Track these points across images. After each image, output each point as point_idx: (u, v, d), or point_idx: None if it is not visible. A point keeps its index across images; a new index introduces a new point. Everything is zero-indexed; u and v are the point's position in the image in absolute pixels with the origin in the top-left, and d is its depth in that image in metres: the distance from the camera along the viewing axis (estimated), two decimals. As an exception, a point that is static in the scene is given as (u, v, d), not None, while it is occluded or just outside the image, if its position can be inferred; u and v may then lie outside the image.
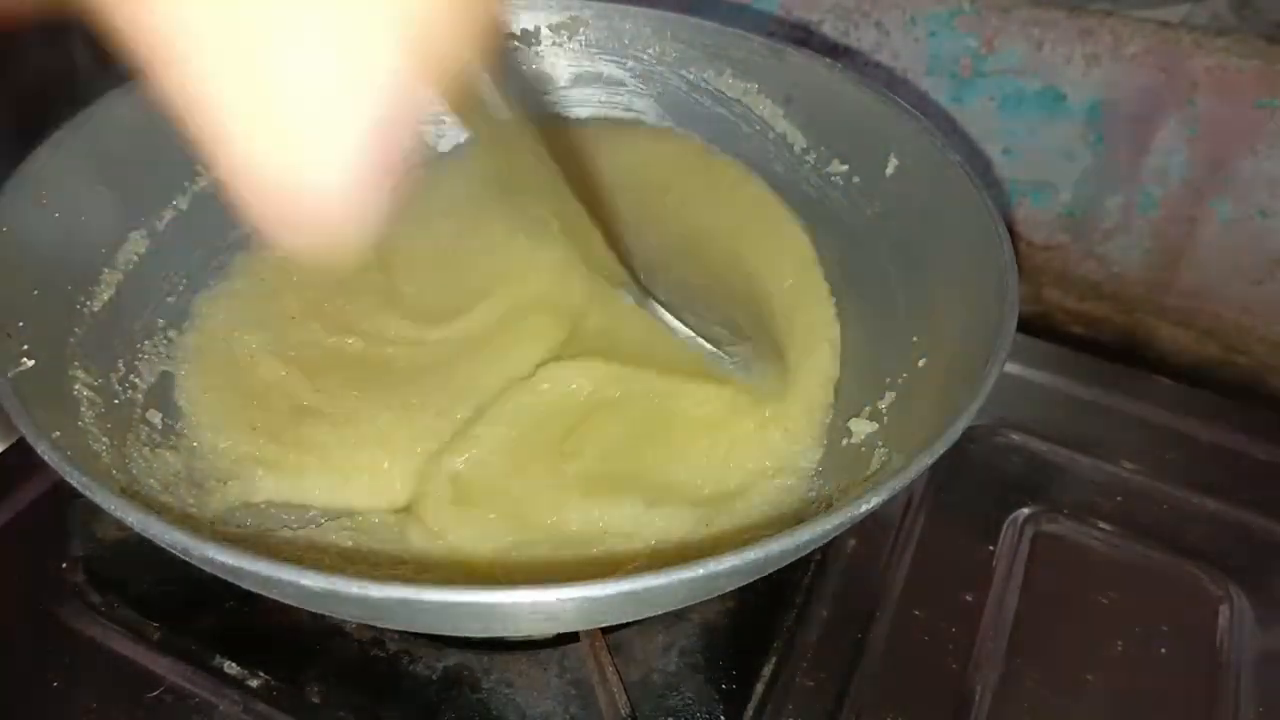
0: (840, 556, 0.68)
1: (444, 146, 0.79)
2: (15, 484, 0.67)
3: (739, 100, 0.75)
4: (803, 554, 0.45)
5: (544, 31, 0.78)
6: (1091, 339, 0.93)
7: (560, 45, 0.78)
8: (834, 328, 0.67)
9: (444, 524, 0.57)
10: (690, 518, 0.58)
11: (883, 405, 0.60)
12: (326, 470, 0.60)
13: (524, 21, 0.77)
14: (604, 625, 0.58)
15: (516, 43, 0.78)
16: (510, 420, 0.63)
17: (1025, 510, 0.71)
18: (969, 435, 0.75)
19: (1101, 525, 0.71)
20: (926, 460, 0.44)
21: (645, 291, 0.61)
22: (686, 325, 0.61)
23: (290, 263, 0.70)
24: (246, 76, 0.26)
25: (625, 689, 0.55)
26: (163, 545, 0.41)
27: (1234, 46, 0.76)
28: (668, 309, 0.62)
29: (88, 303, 0.59)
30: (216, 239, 0.69)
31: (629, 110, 0.80)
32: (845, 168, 0.70)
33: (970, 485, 0.73)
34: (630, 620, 0.59)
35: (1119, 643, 0.64)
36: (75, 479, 0.43)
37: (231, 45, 0.26)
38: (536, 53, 0.78)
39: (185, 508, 0.56)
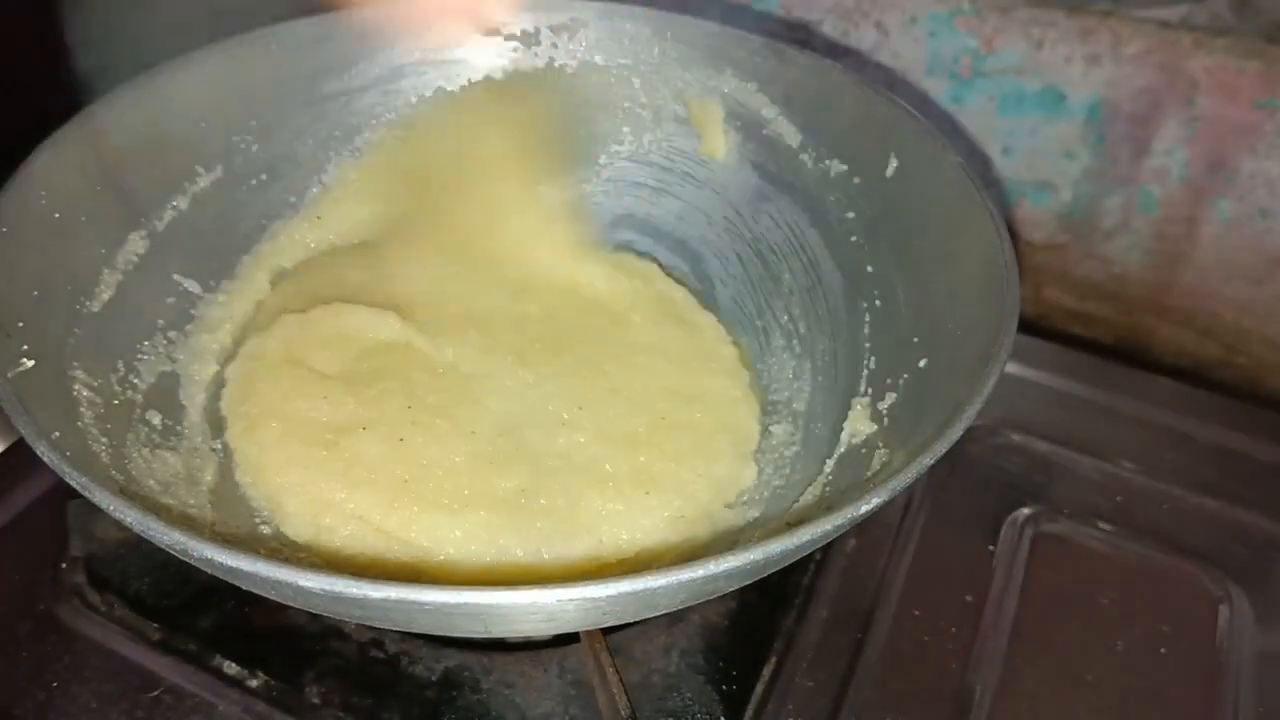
0: (840, 556, 0.68)
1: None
2: (15, 484, 0.67)
3: (739, 100, 0.74)
4: (803, 554, 0.45)
5: (545, 32, 0.77)
6: (1091, 339, 0.93)
7: (560, 47, 0.78)
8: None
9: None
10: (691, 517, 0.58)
11: (883, 406, 0.60)
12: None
13: (525, 22, 0.77)
14: (604, 626, 0.58)
15: (517, 43, 0.78)
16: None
17: (1025, 510, 0.71)
18: (969, 435, 0.74)
19: (1101, 525, 0.71)
20: (927, 461, 0.44)
21: None
22: None
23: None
24: None
25: (625, 690, 0.55)
26: (162, 546, 0.41)
27: (1234, 46, 0.75)
28: None
29: (87, 303, 0.59)
30: (216, 240, 0.69)
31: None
32: (845, 168, 0.69)
33: (970, 485, 0.73)
34: (631, 621, 0.59)
35: (1119, 643, 0.64)
36: (74, 479, 0.42)
37: None
38: (536, 53, 0.78)
39: (185, 508, 0.56)
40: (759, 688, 0.60)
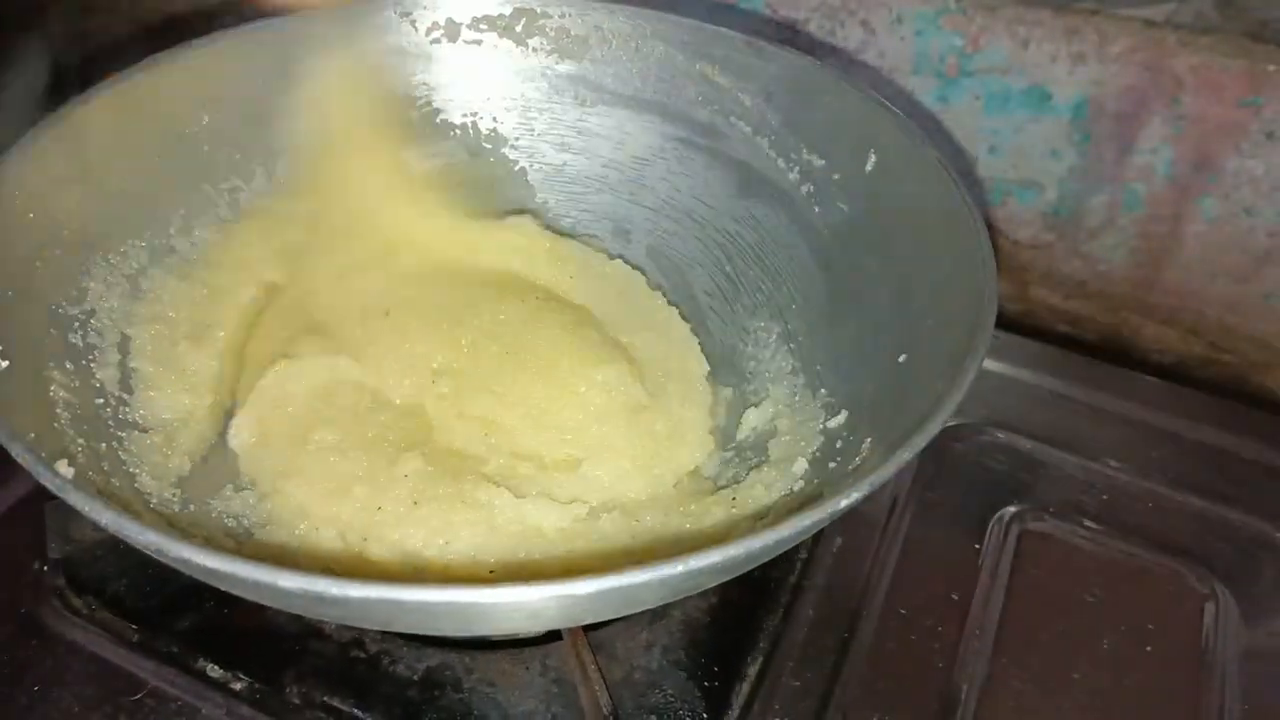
0: (826, 555, 0.67)
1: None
2: (-8, 486, 0.67)
3: (719, 97, 0.74)
4: (783, 550, 0.45)
5: (520, 27, 0.77)
6: (1077, 337, 0.93)
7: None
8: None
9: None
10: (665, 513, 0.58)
11: (864, 401, 0.60)
12: None
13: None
14: (586, 623, 0.58)
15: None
16: None
17: (1011, 509, 0.71)
18: (954, 434, 0.75)
19: (1087, 523, 0.71)
20: (905, 455, 0.44)
21: None
22: None
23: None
24: None
25: (607, 687, 0.55)
26: (138, 547, 0.41)
27: (1218, 45, 0.76)
28: None
29: (64, 304, 0.58)
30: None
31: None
32: (824, 163, 0.69)
33: (956, 484, 0.73)
34: (612, 618, 0.59)
35: (1104, 641, 0.64)
36: (49, 481, 0.42)
37: None
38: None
39: (165, 509, 0.55)
40: (745, 688, 0.60)
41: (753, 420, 0.68)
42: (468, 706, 0.56)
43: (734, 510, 0.59)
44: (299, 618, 0.59)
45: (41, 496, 0.65)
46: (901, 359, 0.58)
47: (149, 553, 0.41)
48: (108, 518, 0.41)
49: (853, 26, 0.86)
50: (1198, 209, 0.82)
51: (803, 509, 0.42)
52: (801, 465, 0.60)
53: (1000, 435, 0.76)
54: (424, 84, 0.77)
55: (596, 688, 0.54)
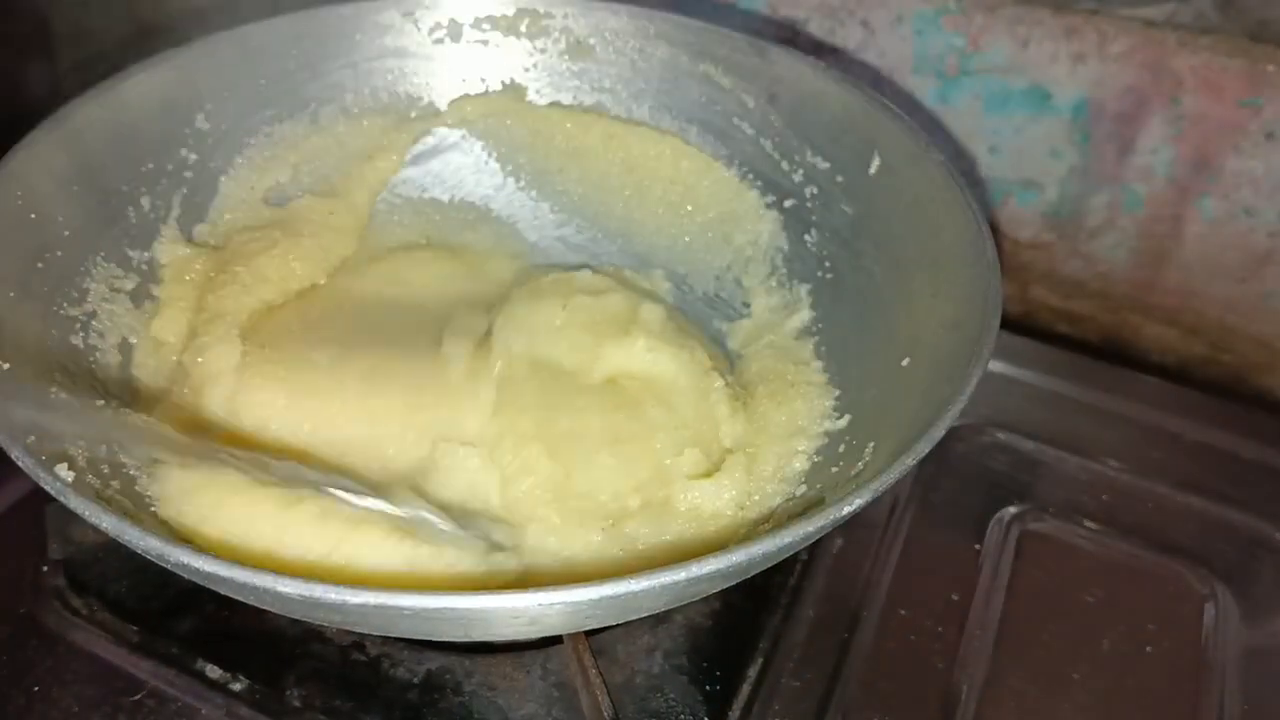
0: (826, 556, 0.67)
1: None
2: (-7, 487, 0.67)
3: (722, 98, 0.74)
4: (786, 556, 0.45)
5: (524, 27, 0.77)
6: (1077, 337, 0.93)
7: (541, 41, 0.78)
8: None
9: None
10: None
11: (867, 405, 0.60)
12: None
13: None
14: (587, 629, 0.58)
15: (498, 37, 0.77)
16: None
17: (1011, 509, 0.71)
18: (955, 434, 0.75)
19: (1087, 524, 0.71)
20: (909, 462, 0.44)
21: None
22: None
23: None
24: None
25: (608, 691, 0.55)
26: (137, 551, 0.41)
27: (1218, 45, 0.76)
28: None
29: (65, 305, 0.58)
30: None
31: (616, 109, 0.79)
32: (827, 165, 0.69)
33: (956, 484, 0.73)
34: (613, 623, 0.59)
35: (1105, 641, 0.64)
36: (49, 484, 0.42)
37: None
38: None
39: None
40: (745, 688, 0.60)
41: None
42: (468, 710, 0.56)
43: (735, 515, 0.59)
44: (300, 621, 0.59)
45: (42, 497, 0.64)
46: (904, 363, 0.58)
47: (149, 557, 0.41)
48: (108, 522, 0.41)
49: (853, 26, 0.86)
50: (1198, 209, 0.82)
51: (805, 514, 0.42)
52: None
53: (1001, 436, 0.76)
54: (426, 84, 0.77)
55: (597, 692, 0.54)
